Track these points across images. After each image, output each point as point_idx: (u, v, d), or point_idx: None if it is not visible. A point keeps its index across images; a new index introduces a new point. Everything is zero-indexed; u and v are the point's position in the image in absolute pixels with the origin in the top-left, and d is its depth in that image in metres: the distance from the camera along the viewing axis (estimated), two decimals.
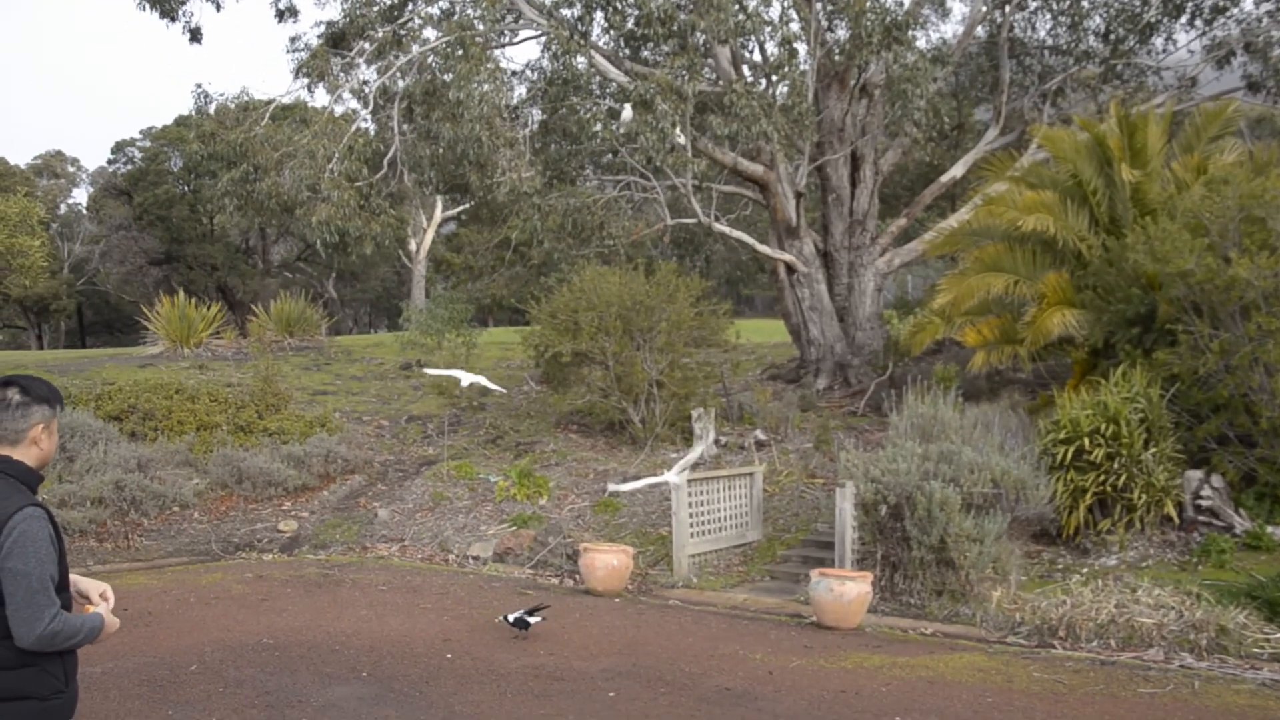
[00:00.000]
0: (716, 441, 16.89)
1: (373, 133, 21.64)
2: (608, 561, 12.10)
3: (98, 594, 3.86)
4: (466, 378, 11.59)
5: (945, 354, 19.67)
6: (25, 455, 3.66)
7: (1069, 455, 11.79)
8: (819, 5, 19.37)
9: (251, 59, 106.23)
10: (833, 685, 8.21)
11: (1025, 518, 11.74)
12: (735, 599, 11.87)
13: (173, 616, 10.42)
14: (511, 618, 9.59)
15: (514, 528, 14.85)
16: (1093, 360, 14.27)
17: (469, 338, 22.79)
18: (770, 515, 14.60)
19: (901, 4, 19.91)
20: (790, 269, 20.83)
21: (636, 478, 12.68)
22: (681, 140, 17.98)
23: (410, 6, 21.11)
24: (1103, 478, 11.63)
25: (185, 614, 10.60)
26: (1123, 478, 11.55)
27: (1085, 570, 11.38)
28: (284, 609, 10.86)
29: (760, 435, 17.31)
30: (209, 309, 27.90)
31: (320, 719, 7.26)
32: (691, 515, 13.11)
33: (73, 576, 3.82)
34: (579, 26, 19.91)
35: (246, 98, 24.28)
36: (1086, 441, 11.72)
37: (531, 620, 9.57)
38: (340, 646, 9.31)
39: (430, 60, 19.54)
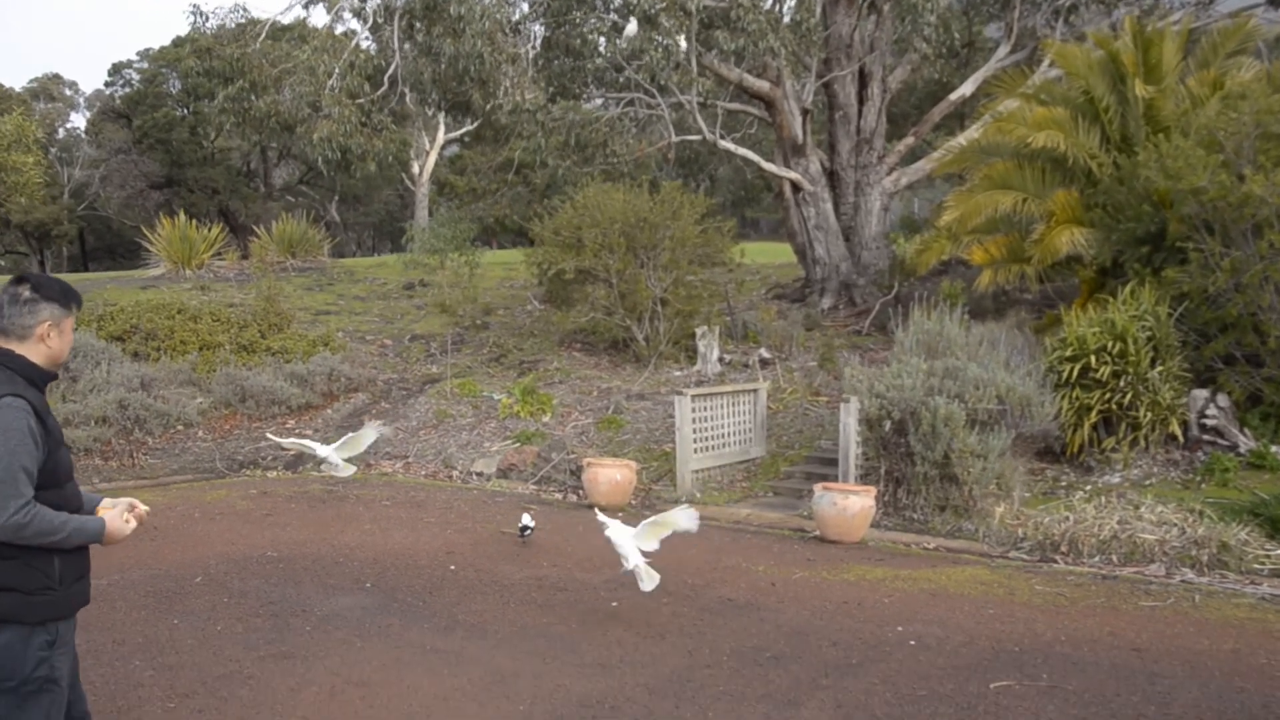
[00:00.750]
0: (720, 359, 16.85)
1: (373, 51, 21.30)
2: (611, 476, 12.11)
3: (125, 506, 3.81)
4: (323, 451, 11.21)
5: (951, 275, 19.50)
6: (32, 352, 3.63)
7: (1075, 373, 11.72)
8: None
9: None
10: (835, 596, 8.23)
11: (1029, 435, 11.70)
12: (738, 514, 11.89)
13: (178, 531, 10.46)
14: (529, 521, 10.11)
15: (517, 444, 14.86)
16: (1100, 279, 14.12)
17: (472, 258, 22.65)
18: (774, 432, 14.59)
19: None
20: (796, 187, 20.59)
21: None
22: (686, 56, 17.67)
23: None
24: (1108, 395, 11.57)
25: (190, 529, 10.64)
26: (1128, 396, 11.49)
27: (1088, 488, 11.37)
28: (288, 524, 10.90)
29: (764, 354, 17.25)
30: (210, 230, 27.74)
31: (325, 628, 7.30)
32: (695, 431, 13.09)
33: (104, 500, 3.85)
34: None
35: (244, 17, 23.90)
36: (1093, 359, 11.64)
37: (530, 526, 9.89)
38: (344, 559, 9.35)
39: None
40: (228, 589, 8.37)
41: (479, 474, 14.29)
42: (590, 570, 9.06)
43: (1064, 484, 11.68)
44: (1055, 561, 9.48)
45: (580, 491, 12.78)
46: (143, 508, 3.88)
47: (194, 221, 27.82)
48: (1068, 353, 11.91)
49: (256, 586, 8.42)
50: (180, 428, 15.78)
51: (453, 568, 9.06)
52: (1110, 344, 11.61)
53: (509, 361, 18.56)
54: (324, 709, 5.83)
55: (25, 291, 3.62)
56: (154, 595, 8.11)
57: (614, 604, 7.99)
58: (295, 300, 23.00)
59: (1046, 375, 11.88)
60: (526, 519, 10.11)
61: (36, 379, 3.63)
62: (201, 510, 11.66)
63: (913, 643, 6.99)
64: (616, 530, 7.47)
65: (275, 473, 14.56)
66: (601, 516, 7.72)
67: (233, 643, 7.02)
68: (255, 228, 33.01)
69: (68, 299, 3.72)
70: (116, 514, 3.75)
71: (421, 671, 6.45)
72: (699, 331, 16.97)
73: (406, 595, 8.18)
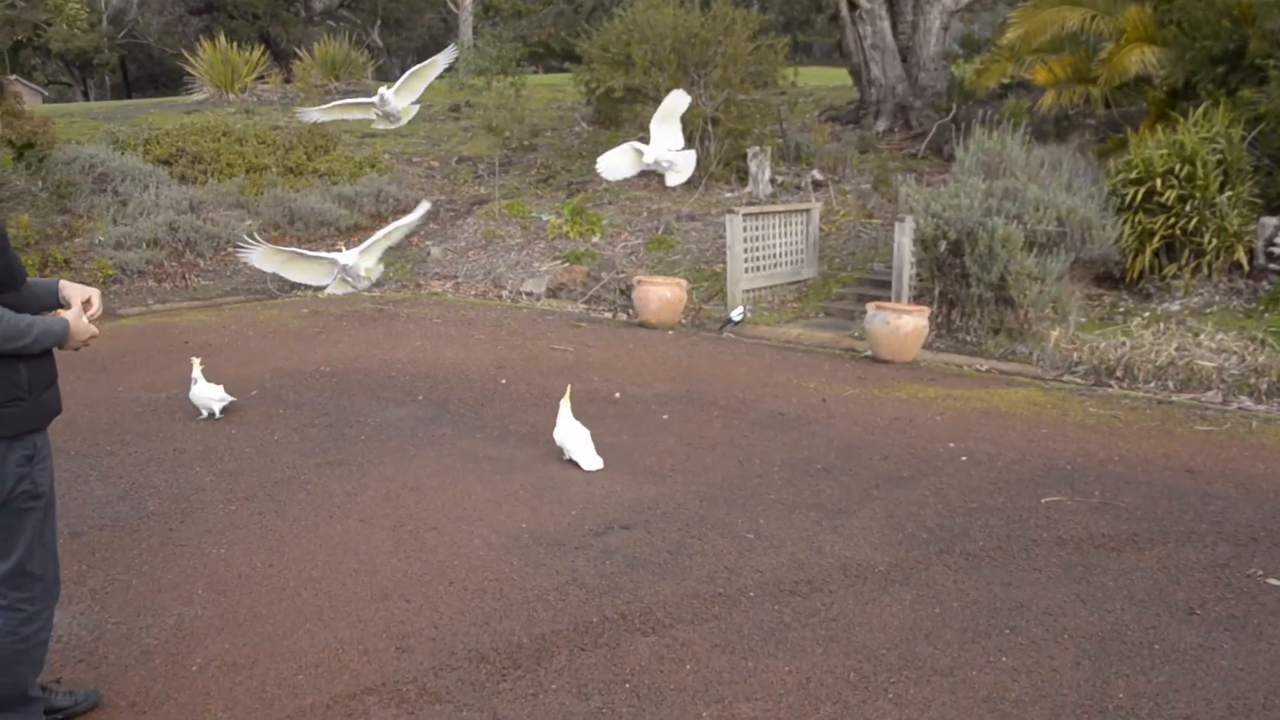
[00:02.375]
0: (772, 181, 16.52)
1: None
2: (661, 294, 12.03)
3: (80, 300, 3.54)
4: (344, 258, 10.02)
5: (1013, 97, 18.84)
6: None
7: (1139, 196, 11.37)
8: None
9: None
10: (886, 413, 8.20)
11: (1088, 259, 11.43)
12: (789, 333, 11.82)
13: (232, 348, 10.58)
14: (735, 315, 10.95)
15: (566, 264, 14.79)
16: (1170, 101, 13.54)
17: (518, 80, 22.14)
18: (826, 254, 14.39)
19: None
20: (852, 4, 19.77)
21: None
22: None
23: None
24: (1172, 220, 11.23)
25: (244, 346, 10.75)
26: (1194, 221, 11.15)
27: (1147, 314, 11.15)
28: (340, 341, 10.98)
29: (817, 175, 16.88)
30: (252, 53, 27.27)
31: (379, 437, 7.39)
32: (746, 251, 12.92)
33: (63, 283, 3.57)
34: None
35: None
36: (1158, 182, 11.26)
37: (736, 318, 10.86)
38: (396, 373, 9.43)
39: None
40: (283, 401, 8.48)
41: (528, 293, 14.28)
42: (640, 385, 9.07)
43: (1121, 310, 11.45)
44: (1110, 386, 9.36)
45: (630, 310, 12.73)
46: (98, 302, 3.60)
47: (235, 44, 27.35)
48: (1132, 175, 11.53)
49: (311, 399, 8.53)
50: (230, 250, 15.83)
51: (504, 381, 9.11)
52: (1178, 167, 11.21)
53: (557, 182, 18.33)
54: (380, 511, 5.93)
55: None
56: None
57: (665, 417, 8.01)
58: (341, 122, 22.72)
59: (1109, 199, 11.54)
60: (736, 313, 10.17)
61: None
62: (254, 329, 11.77)
63: (964, 458, 6.96)
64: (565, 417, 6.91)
65: (326, 293, 14.63)
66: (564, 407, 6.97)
67: (290, 451, 7.13)
68: (298, 50, 32.42)
69: None
70: (75, 313, 3.48)
71: (474, 478, 6.53)
72: (750, 152, 16.60)
73: (458, 407, 8.25)
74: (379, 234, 10.74)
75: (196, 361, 8.04)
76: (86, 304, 3.56)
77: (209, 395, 7.94)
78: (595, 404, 8.35)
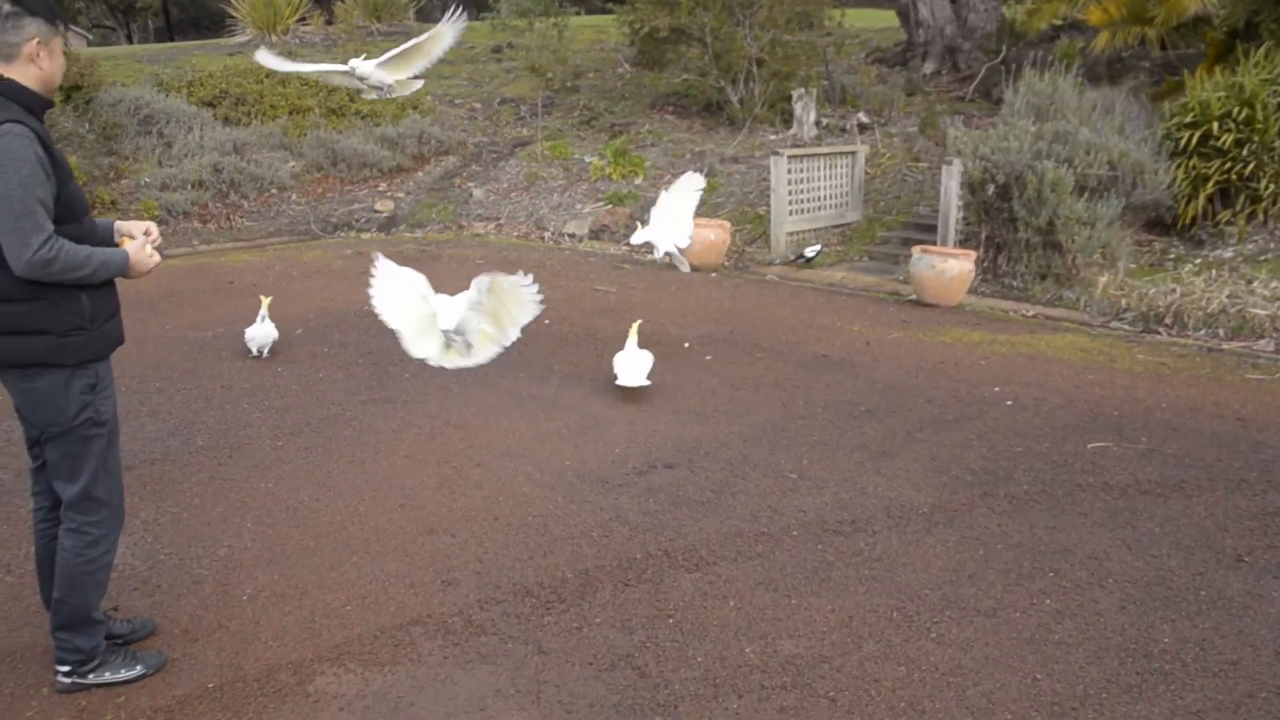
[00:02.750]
0: (817, 123, 16.32)
1: None
2: (704, 236, 11.95)
3: (140, 231, 3.59)
4: (360, 66, 8.97)
5: (1065, 38, 18.44)
6: (22, 75, 3.31)
7: (1193, 140, 11.11)
8: None
9: None
10: (931, 357, 8.14)
11: (1139, 204, 11.21)
12: (833, 276, 11.73)
13: (277, 289, 10.64)
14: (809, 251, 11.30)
15: (609, 206, 14.73)
16: (1229, 43, 13.19)
17: (561, 21, 21.93)
18: (870, 197, 14.23)
19: None
20: None
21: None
22: None
23: None
24: (1228, 165, 10.97)
25: (289, 286, 10.82)
26: (1250, 166, 10.89)
27: (1198, 261, 10.94)
28: None
29: (863, 118, 16.65)
30: None
31: (422, 376, 7.42)
32: (790, 193, 12.80)
33: (118, 224, 3.62)
34: None
35: None
36: (1215, 126, 11.00)
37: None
38: None
39: None
40: (328, 340, 8.54)
41: (570, 235, 14.25)
42: (684, 326, 9.05)
43: (1172, 256, 11.25)
44: (1158, 333, 9.22)
45: None
46: (156, 232, 3.65)
47: None
48: (1188, 119, 11.27)
49: (355, 339, 8.58)
50: (274, 191, 15.90)
51: (547, 321, 9.11)
52: (1236, 110, 10.93)
53: (600, 124, 18.21)
54: (424, 447, 5.98)
55: (5, 5, 3.29)
56: None
57: (708, 358, 8.00)
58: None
59: (1162, 143, 11.30)
60: (811, 250, 11.06)
61: (34, 105, 3.34)
62: (298, 269, 11.84)
63: (1009, 402, 6.91)
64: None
65: (369, 234, 14.68)
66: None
67: (335, 389, 7.20)
68: None
69: (53, 14, 3.39)
70: (138, 245, 3.53)
71: (518, 416, 6.56)
72: (795, 94, 16.38)
73: None
74: (401, 47, 9.73)
75: (266, 301, 8.13)
76: (146, 233, 3.60)
77: (267, 334, 8.03)
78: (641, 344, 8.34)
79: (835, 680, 3.65)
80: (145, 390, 7.14)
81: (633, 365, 6.92)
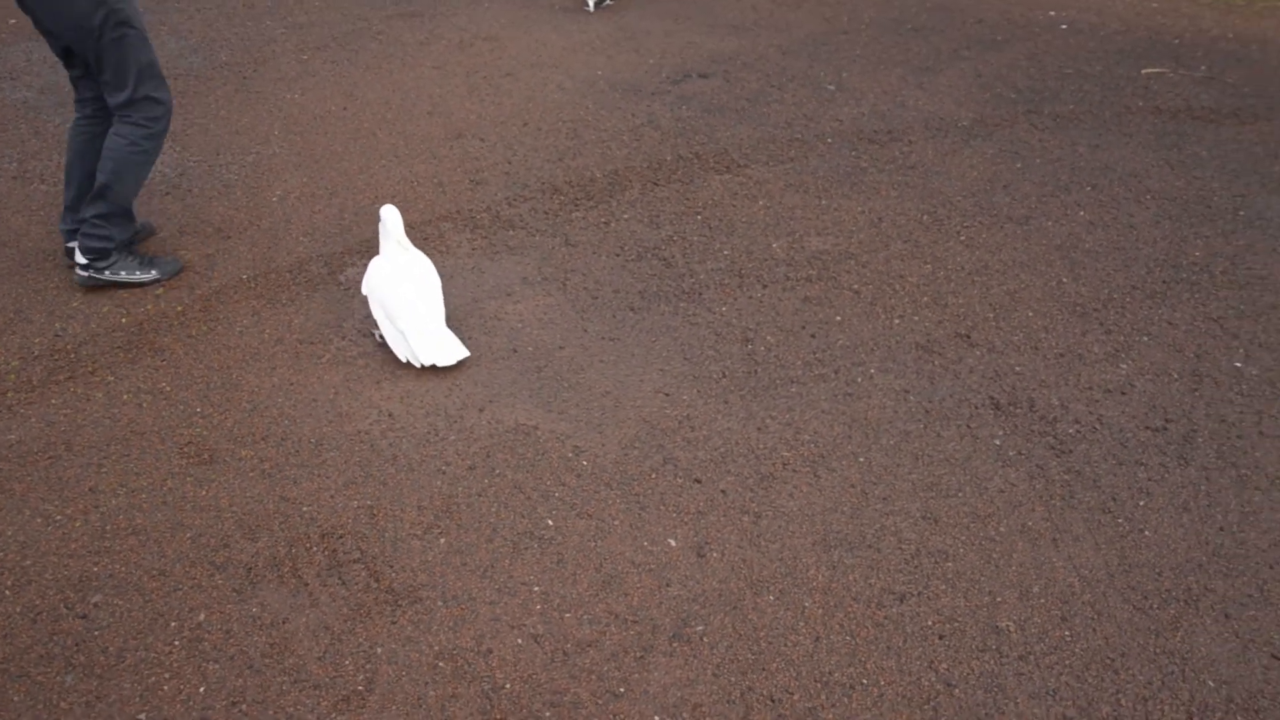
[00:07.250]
0: None
1: None
2: None
3: None
4: None
5: None
6: None
7: None
8: None
9: None
10: None
11: None
12: None
13: None
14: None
15: None
16: None
17: None
18: None
19: None
20: None
21: None
22: None
23: None
24: None
25: None
26: None
27: None
28: None
29: None
30: None
31: None
32: None
33: None
34: None
35: None
36: None
37: None
38: None
39: None
40: None
41: None
42: None
43: None
44: None
45: None
46: None
47: None
48: None
49: None
50: None
51: None
52: None
53: None
54: (453, 59, 5.81)
55: None
56: None
57: None
58: None
59: None
60: None
61: None
62: None
63: (1064, 26, 6.57)
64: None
65: None
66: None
67: (359, 3, 6.92)
68: None
69: None
70: None
71: (549, 28, 6.33)
72: None
73: None
74: None
75: None
76: None
77: None
78: None
79: (860, 274, 3.68)
80: (164, 9, 6.90)
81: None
